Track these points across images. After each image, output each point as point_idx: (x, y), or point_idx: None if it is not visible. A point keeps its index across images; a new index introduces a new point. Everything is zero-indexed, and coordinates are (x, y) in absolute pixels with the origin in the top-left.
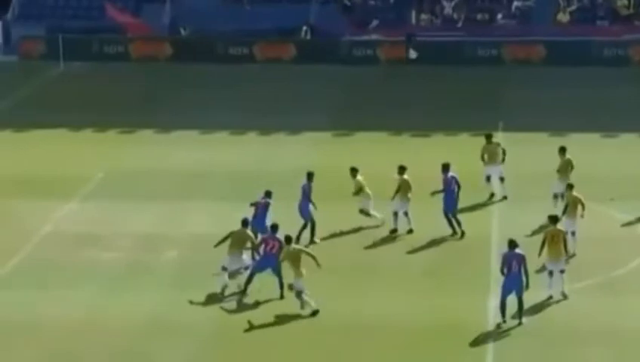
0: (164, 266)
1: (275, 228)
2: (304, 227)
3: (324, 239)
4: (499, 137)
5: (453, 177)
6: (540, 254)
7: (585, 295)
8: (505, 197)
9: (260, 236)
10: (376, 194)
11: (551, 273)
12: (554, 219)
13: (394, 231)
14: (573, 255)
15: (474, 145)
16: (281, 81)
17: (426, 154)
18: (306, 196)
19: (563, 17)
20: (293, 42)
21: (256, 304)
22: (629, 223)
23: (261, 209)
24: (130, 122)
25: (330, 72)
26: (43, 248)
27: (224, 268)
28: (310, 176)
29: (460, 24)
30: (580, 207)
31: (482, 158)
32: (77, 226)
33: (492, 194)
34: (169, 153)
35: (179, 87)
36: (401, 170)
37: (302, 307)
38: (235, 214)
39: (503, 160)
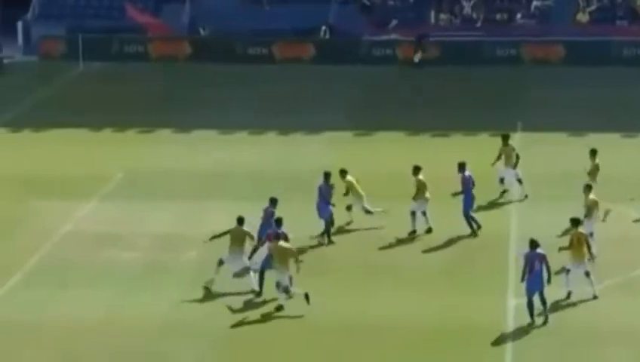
0: (182, 266)
1: (279, 222)
2: (328, 227)
3: (341, 239)
4: (518, 137)
5: (470, 176)
6: (560, 250)
7: (605, 295)
8: (526, 196)
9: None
10: (395, 195)
11: (568, 271)
12: (576, 222)
13: (413, 232)
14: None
15: (493, 145)
16: (300, 81)
17: (444, 154)
18: (323, 197)
19: (582, 17)
20: (313, 42)
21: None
22: None
23: (266, 217)
24: (149, 122)
25: (350, 71)
26: (62, 247)
27: (221, 262)
28: (327, 176)
29: (479, 24)
30: (596, 210)
31: (498, 158)
32: (96, 226)
33: (504, 192)
34: (188, 153)
35: (198, 87)
36: (416, 170)
37: (288, 297)
38: (254, 214)
39: (516, 165)
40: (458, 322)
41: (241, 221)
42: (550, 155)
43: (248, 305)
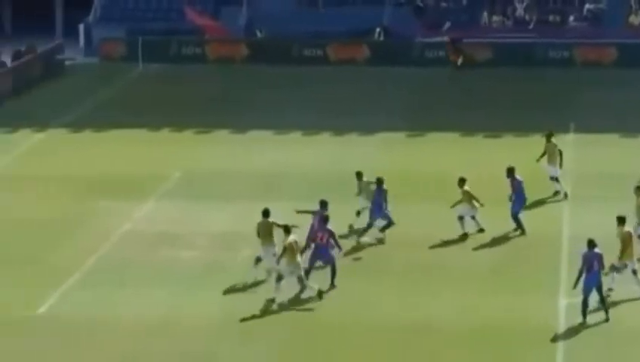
0: (239, 265)
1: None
2: (387, 226)
3: (391, 238)
4: (570, 138)
5: (520, 181)
6: (621, 256)
7: None
8: (565, 195)
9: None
10: (445, 197)
11: (617, 269)
12: (622, 220)
13: (464, 235)
14: None
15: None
16: (355, 82)
17: (497, 155)
18: (376, 201)
19: (635, 20)
20: (367, 44)
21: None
22: None
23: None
24: (206, 122)
25: (403, 73)
26: (121, 247)
27: (258, 259)
28: (380, 181)
29: (531, 26)
30: None
31: (542, 155)
32: (155, 225)
33: (556, 192)
34: (244, 153)
35: (254, 88)
36: (461, 182)
37: (276, 291)
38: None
39: (561, 164)
40: (509, 321)
41: (265, 213)
42: (602, 156)
43: (304, 305)
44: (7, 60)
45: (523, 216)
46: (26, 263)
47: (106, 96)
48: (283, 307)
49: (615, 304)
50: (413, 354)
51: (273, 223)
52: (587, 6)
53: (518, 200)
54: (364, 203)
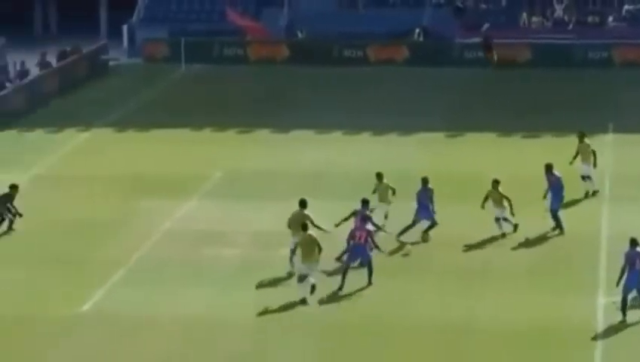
0: (279, 264)
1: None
2: (431, 227)
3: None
4: (609, 138)
5: (559, 177)
6: None
7: None
8: (594, 193)
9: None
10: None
11: None
12: None
13: (502, 235)
14: None
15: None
16: (394, 83)
17: (535, 156)
18: (420, 203)
19: None
20: (406, 44)
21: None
22: None
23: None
24: (248, 122)
25: (442, 73)
26: (163, 246)
27: (293, 252)
28: (425, 181)
29: (570, 27)
30: None
31: (575, 156)
32: (196, 224)
33: (595, 192)
34: (285, 153)
35: (295, 89)
36: (495, 183)
37: (302, 290)
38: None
39: (595, 163)
40: (548, 321)
41: (302, 203)
42: None
43: (341, 303)
44: (53, 60)
45: (562, 214)
46: (70, 262)
47: (149, 97)
48: (320, 305)
49: None
50: (453, 354)
51: (307, 216)
52: (626, 7)
53: (556, 196)
54: (376, 204)
